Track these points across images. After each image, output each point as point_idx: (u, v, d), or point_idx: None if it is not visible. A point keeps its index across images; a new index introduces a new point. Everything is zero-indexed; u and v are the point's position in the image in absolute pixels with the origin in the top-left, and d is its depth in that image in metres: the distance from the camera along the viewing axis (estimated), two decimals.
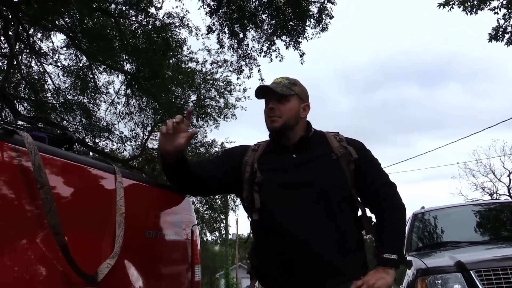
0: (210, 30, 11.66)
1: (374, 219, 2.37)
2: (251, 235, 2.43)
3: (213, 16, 11.32)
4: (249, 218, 2.37)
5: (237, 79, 13.25)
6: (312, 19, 10.95)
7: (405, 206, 2.37)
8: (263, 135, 2.54)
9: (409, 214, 6.66)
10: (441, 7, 10.14)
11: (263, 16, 11.14)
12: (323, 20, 10.96)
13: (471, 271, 4.17)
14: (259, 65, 12.19)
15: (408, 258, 5.30)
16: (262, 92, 2.39)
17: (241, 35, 11.64)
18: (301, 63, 11.37)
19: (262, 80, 12.05)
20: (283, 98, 2.34)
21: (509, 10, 10.00)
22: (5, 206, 1.41)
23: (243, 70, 12.68)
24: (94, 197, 1.83)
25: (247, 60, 12.24)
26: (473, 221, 6.09)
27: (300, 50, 11.30)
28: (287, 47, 11.36)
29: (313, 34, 11.25)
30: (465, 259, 4.39)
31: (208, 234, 20.84)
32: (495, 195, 27.97)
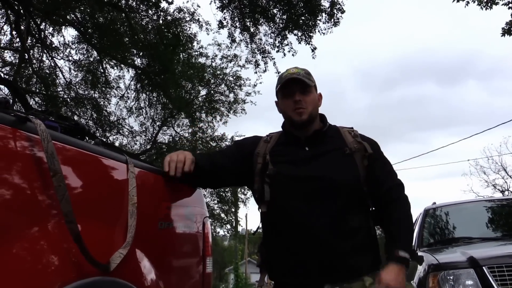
0: (221, 24, 11.65)
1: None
2: (261, 227, 2.41)
3: (224, 11, 11.30)
4: (259, 210, 2.36)
5: (255, 73, 13.23)
6: (323, 14, 10.90)
7: (410, 204, 2.33)
8: (274, 129, 2.51)
9: (420, 210, 6.62)
10: (456, 1, 10.02)
11: (274, 11, 11.10)
12: (335, 15, 10.91)
13: (483, 267, 4.13)
14: (274, 58, 12.18)
15: (420, 253, 5.27)
16: (286, 84, 2.32)
17: (252, 30, 11.62)
18: (312, 57, 11.34)
19: (278, 73, 11.98)
20: (307, 89, 2.31)
21: None
22: (18, 194, 1.40)
23: (259, 64, 12.66)
24: (107, 187, 1.82)
25: (262, 54, 12.22)
26: (485, 217, 6.04)
27: (311, 44, 11.26)
28: (299, 42, 11.33)
29: (325, 29, 11.21)
30: (478, 255, 4.35)
31: (218, 229, 20.93)
32: (506, 192, 27.77)
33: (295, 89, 2.30)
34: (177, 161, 2.16)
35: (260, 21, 11.37)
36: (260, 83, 14.86)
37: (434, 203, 6.70)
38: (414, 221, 6.62)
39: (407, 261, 2.16)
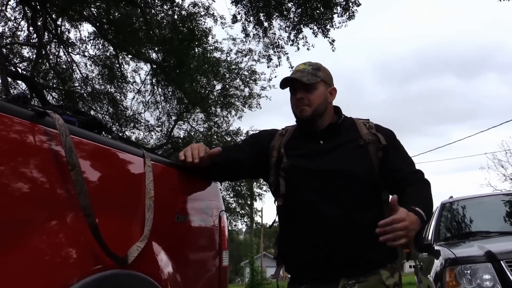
0: (235, 19, 11.64)
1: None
2: (277, 220, 2.42)
3: (238, 5, 11.28)
4: (275, 203, 2.36)
5: (268, 67, 13.23)
6: (338, 7, 10.82)
7: (430, 185, 2.23)
8: (289, 124, 2.51)
9: (437, 204, 6.58)
10: None
11: (289, 4, 11.06)
12: (350, 8, 10.83)
13: (501, 261, 4.11)
14: (287, 53, 12.14)
15: (436, 247, 5.24)
16: (287, 82, 2.34)
17: (266, 24, 11.58)
18: (332, 50, 11.28)
19: (292, 68, 12.01)
20: (310, 86, 2.28)
21: None
22: (37, 188, 1.42)
23: (271, 58, 12.64)
24: (124, 181, 1.83)
25: (275, 48, 12.19)
26: (503, 211, 5.99)
27: (329, 37, 11.19)
28: (315, 35, 11.26)
29: (339, 23, 11.14)
30: (495, 249, 4.32)
31: (234, 222, 21.03)
32: None
33: (298, 87, 2.30)
34: (192, 149, 2.16)
35: (274, 15, 11.33)
36: (275, 77, 14.84)
37: (451, 197, 6.65)
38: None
39: (422, 218, 1.97)
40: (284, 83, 2.34)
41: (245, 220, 22.00)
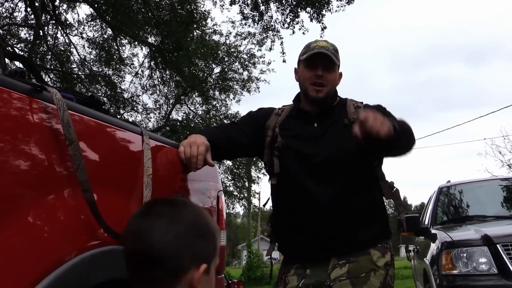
0: (233, 1, 11.55)
1: (395, 185, 2.31)
2: (270, 199, 2.43)
3: None
4: (269, 182, 2.37)
5: (258, 51, 13.20)
6: None
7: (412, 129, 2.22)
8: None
9: (435, 188, 6.61)
10: None
11: None
12: None
13: (497, 245, 4.15)
14: (282, 37, 12.09)
15: (433, 231, 5.28)
16: (312, 56, 2.24)
17: (262, 8, 11.50)
18: (320, 36, 11.24)
19: (283, 54, 11.99)
20: (331, 66, 2.25)
21: None
22: (34, 163, 1.40)
23: (265, 42, 12.62)
24: (122, 157, 1.82)
25: (270, 32, 12.14)
26: (500, 196, 6.03)
27: (322, 23, 11.14)
28: (311, 20, 11.21)
29: (338, 7, 11.08)
30: (492, 232, 4.36)
31: (232, 205, 21.10)
32: None
33: (320, 63, 2.24)
34: (191, 157, 2.05)
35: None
36: (274, 60, 14.83)
37: (449, 181, 6.67)
38: (428, 198, 6.62)
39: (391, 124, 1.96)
40: (313, 56, 2.24)
41: (244, 203, 22.06)
